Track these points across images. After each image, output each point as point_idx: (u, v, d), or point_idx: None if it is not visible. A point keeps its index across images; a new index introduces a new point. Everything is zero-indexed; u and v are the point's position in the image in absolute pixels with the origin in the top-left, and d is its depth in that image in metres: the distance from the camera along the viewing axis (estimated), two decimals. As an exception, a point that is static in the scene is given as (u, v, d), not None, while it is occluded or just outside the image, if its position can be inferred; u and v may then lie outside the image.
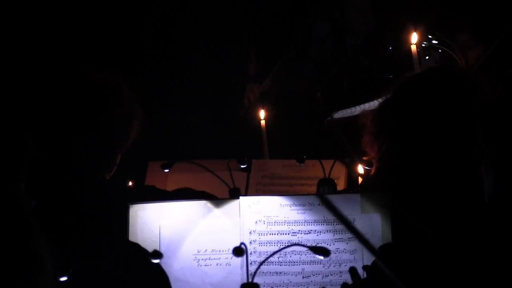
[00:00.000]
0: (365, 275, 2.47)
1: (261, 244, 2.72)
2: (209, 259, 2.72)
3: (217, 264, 2.72)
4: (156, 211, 2.73)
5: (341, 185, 3.65)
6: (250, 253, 2.70)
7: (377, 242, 2.63)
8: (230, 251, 2.44)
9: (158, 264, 2.53)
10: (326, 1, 5.65)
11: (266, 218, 2.73)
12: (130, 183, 3.68)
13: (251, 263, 2.69)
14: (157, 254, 2.37)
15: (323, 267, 2.72)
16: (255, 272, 2.59)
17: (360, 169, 3.57)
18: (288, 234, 2.73)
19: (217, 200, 2.79)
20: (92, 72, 3.17)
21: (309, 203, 2.74)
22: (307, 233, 2.73)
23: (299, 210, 2.74)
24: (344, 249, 2.72)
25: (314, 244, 2.66)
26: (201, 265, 2.72)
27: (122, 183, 3.49)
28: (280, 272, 2.71)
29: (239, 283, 2.64)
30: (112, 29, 5.44)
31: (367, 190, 2.84)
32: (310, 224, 2.73)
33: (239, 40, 5.66)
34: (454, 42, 4.60)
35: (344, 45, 5.61)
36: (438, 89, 2.34)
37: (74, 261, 2.38)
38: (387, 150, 2.34)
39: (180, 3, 5.56)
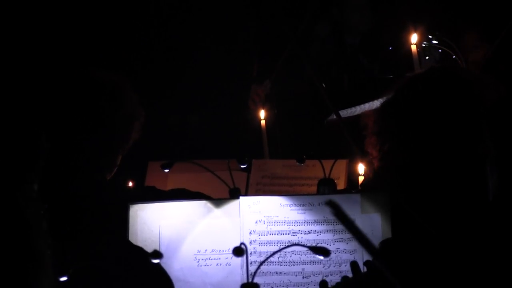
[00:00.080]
0: (365, 270, 2.47)
1: (261, 244, 2.72)
2: (209, 259, 2.72)
3: (217, 264, 2.72)
4: (156, 211, 2.73)
5: (341, 185, 3.64)
6: (250, 253, 2.70)
7: (377, 242, 2.63)
8: (230, 251, 2.44)
9: (158, 264, 2.53)
10: (325, 0, 5.65)
11: (266, 218, 2.73)
12: (130, 183, 3.68)
13: (251, 263, 2.68)
14: (157, 254, 2.36)
15: (323, 267, 2.72)
16: (255, 272, 2.59)
17: (360, 169, 3.57)
18: (288, 234, 2.73)
19: (217, 200, 2.79)
20: (97, 72, 3.17)
21: (309, 203, 2.74)
22: (307, 233, 2.73)
23: (299, 210, 2.74)
24: (344, 249, 2.72)
25: (314, 244, 2.66)
26: (201, 265, 2.72)
27: (122, 183, 3.48)
28: (280, 272, 2.71)
29: (239, 283, 2.64)
30: (112, 29, 5.44)
31: (367, 190, 2.83)
32: (310, 224, 2.73)
33: (239, 40, 5.67)
34: (460, 42, 4.60)
35: (344, 45, 5.61)
36: (440, 88, 2.33)
37: (74, 261, 2.38)
38: (389, 150, 2.34)
39: (180, 3, 5.56)
